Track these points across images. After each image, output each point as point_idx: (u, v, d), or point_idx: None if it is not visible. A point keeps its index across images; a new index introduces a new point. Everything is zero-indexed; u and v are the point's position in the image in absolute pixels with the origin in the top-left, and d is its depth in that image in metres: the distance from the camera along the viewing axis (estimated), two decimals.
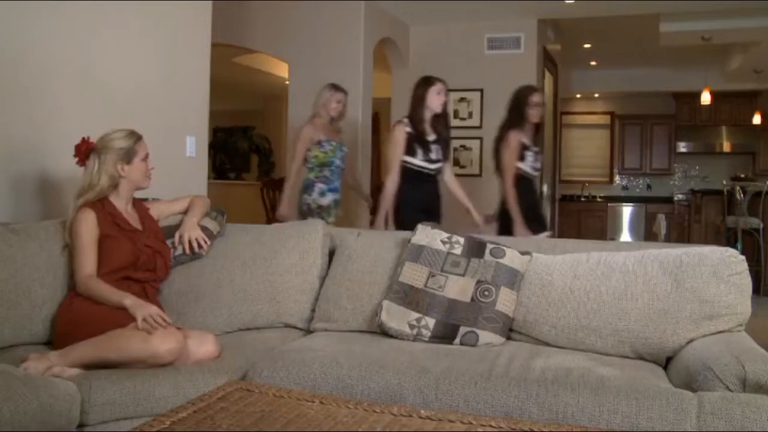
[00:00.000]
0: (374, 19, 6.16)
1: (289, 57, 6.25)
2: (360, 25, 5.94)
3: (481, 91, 6.88)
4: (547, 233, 4.29)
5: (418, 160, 4.06)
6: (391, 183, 4.07)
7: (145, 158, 2.57)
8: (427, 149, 4.07)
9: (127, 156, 2.51)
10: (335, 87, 4.69)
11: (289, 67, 6.31)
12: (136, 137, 2.55)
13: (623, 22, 7.00)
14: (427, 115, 4.08)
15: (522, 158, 4.23)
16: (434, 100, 4.05)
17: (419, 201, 4.06)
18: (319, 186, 4.56)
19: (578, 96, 10.83)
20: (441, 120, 4.13)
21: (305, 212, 4.57)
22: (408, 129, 4.05)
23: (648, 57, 8.77)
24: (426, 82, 4.10)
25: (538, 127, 4.43)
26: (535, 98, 4.30)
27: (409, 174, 4.06)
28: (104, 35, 3.27)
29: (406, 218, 3.89)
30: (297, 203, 4.64)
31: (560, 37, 7.84)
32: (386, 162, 4.05)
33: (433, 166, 4.11)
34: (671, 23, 6.85)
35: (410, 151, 4.05)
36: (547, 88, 7.69)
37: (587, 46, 8.57)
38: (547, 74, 7.65)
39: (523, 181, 4.25)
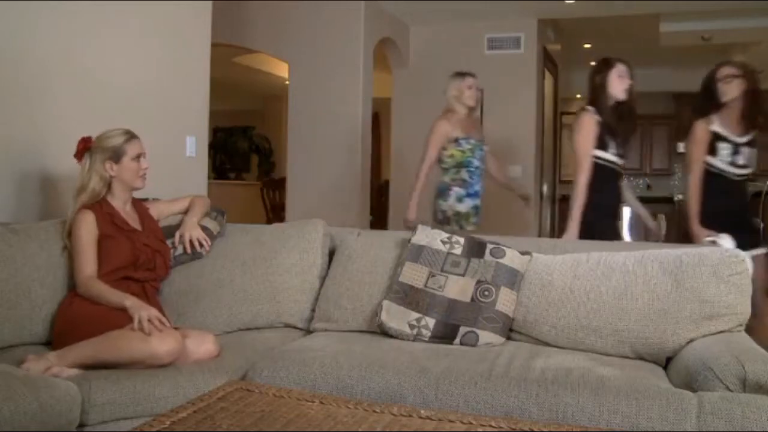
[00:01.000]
0: (374, 19, 6.16)
1: (289, 57, 6.25)
2: (360, 25, 5.94)
3: (481, 91, 6.85)
4: (762, 250, 3.38)
5: (610, 155, 3.43)
6: (585, 180, 3.39)
7: (137, 158, 2.54)
8: (618, 142, 3.47)
9: (116, 155, 2.50)
10: (461, 74, 4.17)
11: (289, 67, 6.31)
12: (127, 136, 2.53)
13: (623, 22, 6.99)
14: (610, 104, 3.45)
15: (713, 151, 3.41)
16: (616, 86, 3.43)
17: (610, 205, 3.47)
18: (456, 190, 4.02)
19: (578, 96, 10.82)
20: (625, 108, 3.49)
21: (441, 220, 4.03)
22: (598, 117, 3.41)
23: (648, 57, 8.76)
24: (605, 65, 3.49)
25: (752, 108, 3.38)
26: (726, 70, 3.40)
27: (599, 172, 3.41)
28: (104, 35, 3.27)
29: (595, 225, 3.32)
30: (431, 209, 4.13)
31: (560, 37, 7.83)
32: (576, 156, 3.45)
33: (621, 162, 3.52)
34: (671, 23, 6.84)
35: (601, 143, 3.40)
36: (547, 88, 7.68)
37: (587, 46, 8.56)
38: (547, 74, 7.65)
39: (714, 179, 3.43)
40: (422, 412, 1.59)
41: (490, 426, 1.52)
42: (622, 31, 7.49)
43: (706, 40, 7.10)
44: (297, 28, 6.09)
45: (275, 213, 8.16)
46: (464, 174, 4.04)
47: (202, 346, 2.27)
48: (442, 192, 4.07)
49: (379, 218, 7.78)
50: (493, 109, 6.51)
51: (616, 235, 3.43)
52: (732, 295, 2.23)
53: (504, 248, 2.58)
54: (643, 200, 10.82)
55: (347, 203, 5.97)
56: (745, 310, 2.25)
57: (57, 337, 2.32)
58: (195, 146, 3.91)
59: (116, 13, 3.31)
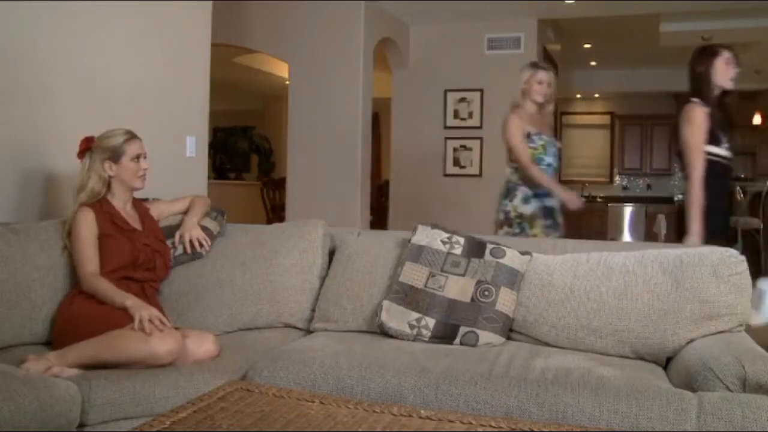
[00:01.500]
0: (374, 19, 6.17)
1: (289, 57, 6.25)
2: (360, 25, 5.95)
3: (481, 91, 6.88)
4: None
5: (722, 150, 3.17)
6: (701, 176, 3.10)
7: (137, 158, 2.54)
8: (729, 136, 3.22)
9: (115, 155, 2.50)
10: (535, 65, 3.90)
11: (289, 67, 6.31)
12: (127, 137, 2.53)
13: (623, 22, 7.00)
14: (715, 94, 3.20)
15: None
16: (724, 74, 3.18)
17: (723, 203, 3.21)
18: (523, 190, 3.71)
19: (578, 96, 10.83)
20: (726, 98, 3.26)
21: (502, 221, 3.76)
22: (707, 109, 3.14)
23: (648, 57, 8.77)
24: (710, 53, 3.21)
25: None
26: None
27: (713, 169, 3.13)
28: (104, 35, 3.27)
29: (715, 227, 3.05)
30: (496, 208, 3.86)
31: (560, 37, 7.84)
32: (687, 152, 3.17)
33: (732, 157, 3.24)
34: (671, 23, 6.85)
35: (713, 138, 3.13)
36: None
37: (587, 46, 8.57)
38: None
39: None
40: (422, 412, 1.59)
41: (490, 426, 1.52)
42: (622, 31, 7.50)
43: (706, 40, 7.10)
44: (297, 28, 6.09)
45: (275, 213, 8.17)
46: None
47: (202, 346, 2.27)
48: (509, 191, 3.78)
49: (379, 218, 7.78)
50: (494, 109, 6.51)
51: (730, 237, 3.20)
52: (732, 295, 2.23)
53: (504, 248, 2.58)
54: (643, 200, 10.84)
55: (347, 203, 5.97)
56: (745, 310, 2.26)
57: (57, 337, 2.32)
58: (195, 146, 3.91)
59: (116, 13, 3.31)
